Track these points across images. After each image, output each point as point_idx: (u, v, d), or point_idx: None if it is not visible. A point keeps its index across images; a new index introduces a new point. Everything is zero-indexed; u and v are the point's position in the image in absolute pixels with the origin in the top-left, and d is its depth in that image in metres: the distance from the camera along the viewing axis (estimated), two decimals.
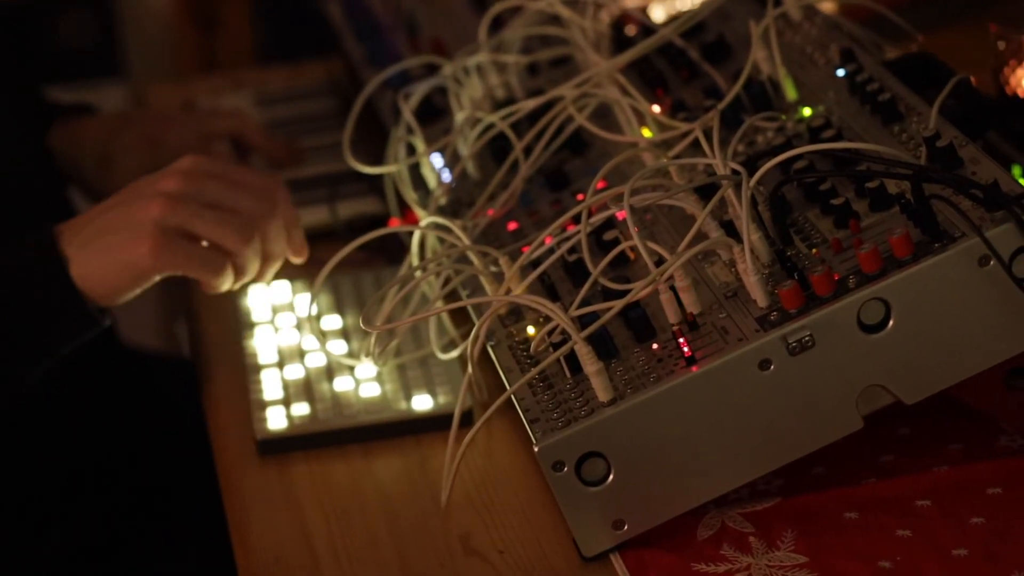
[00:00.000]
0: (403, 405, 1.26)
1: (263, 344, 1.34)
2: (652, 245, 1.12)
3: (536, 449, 1.08)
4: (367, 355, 1.29)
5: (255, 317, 1.37)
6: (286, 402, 1.27)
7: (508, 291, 1.19)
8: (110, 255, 1.21)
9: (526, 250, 1.19)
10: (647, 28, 1.41)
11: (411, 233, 1.31)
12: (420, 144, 1.37)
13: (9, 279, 1.22)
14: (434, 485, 1.17)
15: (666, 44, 1.36)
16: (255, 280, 1.28)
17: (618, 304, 1.10)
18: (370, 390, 1.28)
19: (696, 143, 1.21)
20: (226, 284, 1.24)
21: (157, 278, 1.23)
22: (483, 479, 1.20)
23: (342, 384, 1.29)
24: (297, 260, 1.30)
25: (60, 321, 1.22)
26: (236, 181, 1.25)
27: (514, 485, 1.19)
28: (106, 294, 1.21)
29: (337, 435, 1.25)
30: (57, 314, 1.21)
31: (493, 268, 1.23)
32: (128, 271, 1.21)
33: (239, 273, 1.24)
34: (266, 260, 1.27)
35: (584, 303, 1.12)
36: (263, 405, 1.27)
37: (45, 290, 1.21)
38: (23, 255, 1.22)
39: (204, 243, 1.24)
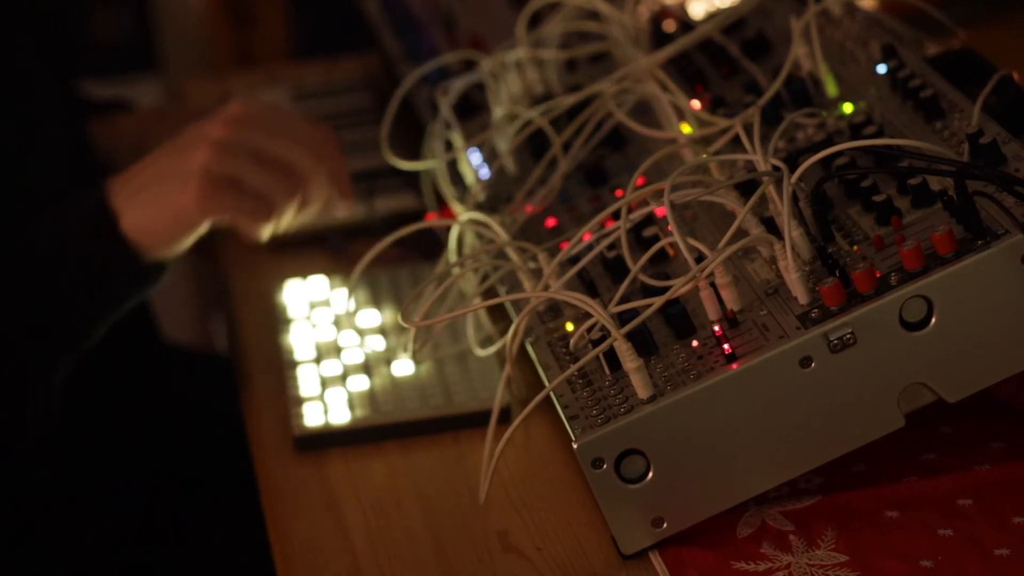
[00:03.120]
0: (441, 401, 1.26)
1: (300, 340, 1.34)
2: (692, 242, 1.11)
3: (575, 446, 1.07)
4: (405, 351, 1.29)
5: (292, 313, 1.37)
6: (323, 398, 1.27)
7: (547, 287, 1.18)
8: (158, 205, 1.22)
9: (565, 246, 1.19)
10: (686, 24, 1.41)
11: (449, 229, 1.30)
12: (458, 140, 1.36)
13: (64, 237, 1.23)
14: (472, 482, 1.17)
15: (706, 40, 1.36)
16: (289, 223, 1.27)
17: (658, 301, 1.09)
18: (408, 386, 1.28)
19: (736, 140, 1.20)
20: (266, 233, 1.24)
21: (205, 226, 1.23)
22: (522, 476, 1.19)
23: (380, 380, 1.29)
24: (345, 205, 1.29)
25: (115, 276, 1.23)
26: (284, 129, 1.25)
27: (553, 482, 1.18)
28: (157, 244, 1.22)
29: (374, 431, 1.25)
30: (112, 269, 1.22)
31: (532, 264, 1.22)
32: (175, 220, 1.22)
33: (279, 220, 1.25)
34: (303, 205, 1.26)
35: (624, 300, 1.12)
36: (300, 401, 1.27)
37: (98, 246, 1.22)
38: (76, 213, 1.23)
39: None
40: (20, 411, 1.26)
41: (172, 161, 1.23)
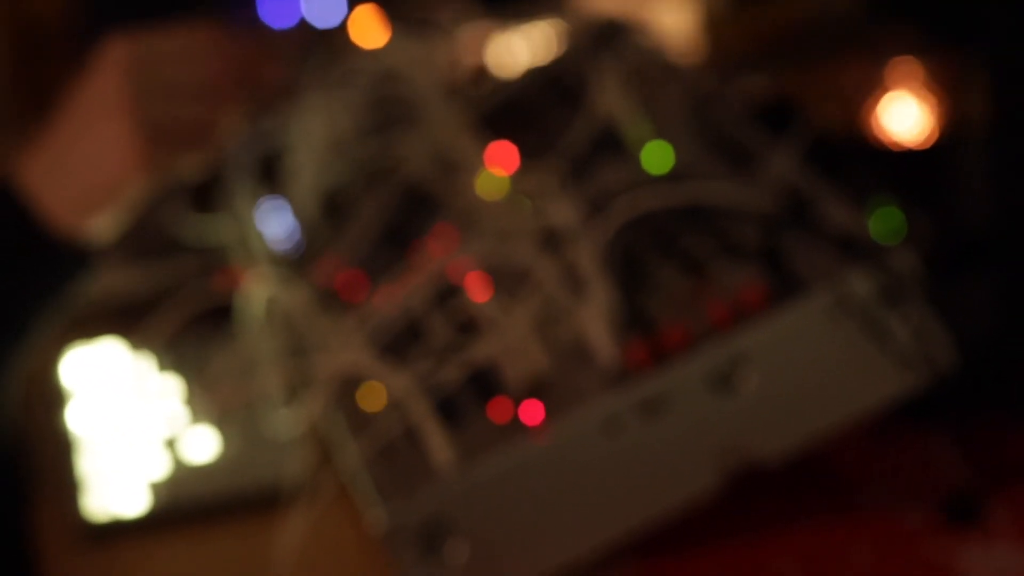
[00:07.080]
0: (242, 481, 1.19)
1: (87, 416, 1.25)
2: (494, 303, 1.06)
3: (373, 526, 1.00)
4: (204, 425, 1.21)
5: (74, 385, 1.28)
6: (114, 482, 1.19)
7: (347, 354, 1.12)
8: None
9: (363, 307, 1.12)
10: (494, 80, 1.36)
11: (243, 292, 1.23)
12: (244, 201, 1.30)
13: None
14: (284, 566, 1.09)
15: (513, 94, 1.31)
16: None
17: (459, 367, 1.03)
18: (209, 464, 1.21)
19: (543, 191, 1.15)
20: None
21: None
22: (330, 554, 1.12)
23: (177, 459, 1.21)
24: None
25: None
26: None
27: (354, 560, 1.11)
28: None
29: (173, 518, 1.17)
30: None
31: (331, 329, 1.15)
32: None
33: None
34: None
35: (426, 366, 1.06)
36: (84, 487, 1.18)
37: None
38: None
39: None
40: None
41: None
